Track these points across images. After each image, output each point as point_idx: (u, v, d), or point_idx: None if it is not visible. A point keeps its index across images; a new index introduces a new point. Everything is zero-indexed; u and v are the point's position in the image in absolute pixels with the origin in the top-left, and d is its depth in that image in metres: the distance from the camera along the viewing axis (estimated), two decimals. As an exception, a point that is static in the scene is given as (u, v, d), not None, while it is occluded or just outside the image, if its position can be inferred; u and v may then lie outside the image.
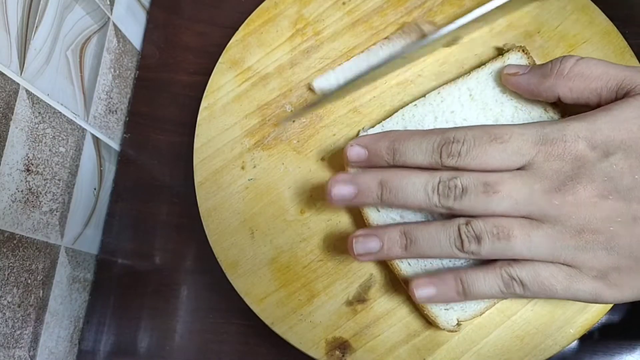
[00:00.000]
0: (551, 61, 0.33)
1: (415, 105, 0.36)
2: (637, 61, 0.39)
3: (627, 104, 0.29)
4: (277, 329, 0.36)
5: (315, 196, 0.38)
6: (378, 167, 0.33)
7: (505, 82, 0.35)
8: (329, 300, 0.36)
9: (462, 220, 0.30)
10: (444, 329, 0.33)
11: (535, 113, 0.35)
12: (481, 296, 0.31)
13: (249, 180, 0.39)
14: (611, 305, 0.35)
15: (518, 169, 0.30)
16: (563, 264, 0.29)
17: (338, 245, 0.37)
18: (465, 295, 0.31)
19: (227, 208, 0.38)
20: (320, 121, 0.39)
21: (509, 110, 0.35)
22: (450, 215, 0.31)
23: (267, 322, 0.36)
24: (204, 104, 0.41)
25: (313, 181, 0.38)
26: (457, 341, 0.35)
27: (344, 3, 0.41)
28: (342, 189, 0.32)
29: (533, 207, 0.29)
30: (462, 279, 0.31)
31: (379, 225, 0.34)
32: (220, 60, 0.41)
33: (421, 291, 0.31)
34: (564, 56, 0.32)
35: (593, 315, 0.34)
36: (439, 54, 0.40)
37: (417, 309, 0.35)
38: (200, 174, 0.39)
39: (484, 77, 0.36)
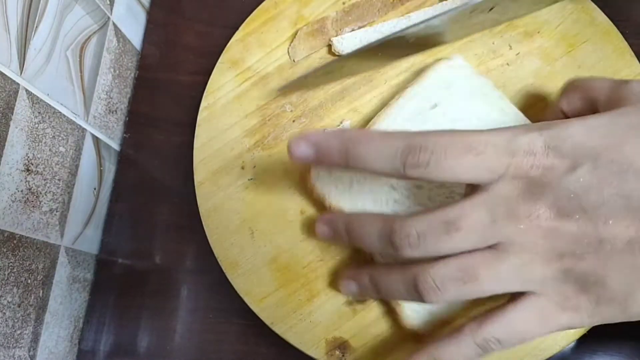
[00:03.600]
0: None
1: None
2: (637, 61, 0.39)
3: (604, 114, 0.27)
4: (277, 329, 0.36)
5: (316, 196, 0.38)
6: (329, 166, 0.32)
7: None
8: (329, 300, 0.36)
9: (418, 269, 0.28)
10: (412, 331, 0.33)
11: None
12: None
13: (249, 180, 0.39)
14: None
15: (482, 188, 0.27)
16: (533, 292, 0.27)
17: (338, 245, 0.37)
18: None
19: (227, 208, 0.38)
20: (320, 121, 0.39)
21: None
22: None
23: (267, 322, 0.36)
24: (203, 103, 0.41)
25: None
26: None
27: (343, 3, 0.42)
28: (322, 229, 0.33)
29: (498, 235, 0.27)
30: (435, 356, 0.29)
31: (357, 269, 0.34)
32: (220, 60, 0.41)
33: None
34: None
35: None
36: (439, 54, 0.40)
37: (389, 307, 0.35)
38: (200, 174, 0.39)
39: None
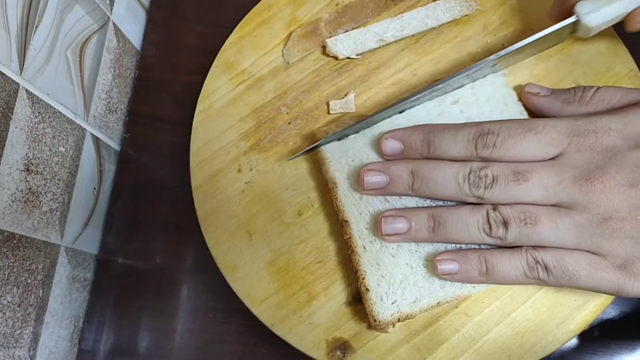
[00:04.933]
0: (573, 88, 0.34)
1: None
2: (630, 57, 0.38)
3: None
4: (277, 331, 0.36)
5: (313, 197, 0.38)
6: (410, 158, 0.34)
7: (526, 101, 0.36)
8: (329, 301, 0.36)
9: (490, 206, 0.31)
10: (375, 322, 0.33)
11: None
12: (504, 279, 0.31)
13: (245, 183, 0.39)
14: (610, 301, 0.34)
15: (550, 159, 0.31)
16: (588, 251, 0.30)
17: (336, 246, 0.37)
18: (488, 276, 0.31)
19: (224, 211, 0.38)
20: (315, 122, 0.39)
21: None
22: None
23: (267, 324, 0.36)
24: (199, 107, 0.41)
25: (310, 183, 0.38)
26: (457, 340, 0.35)
27: (337, 4, 0.41)
28: (374, 177, 0.33)
29: (562, 194, 0.30)
30: (486, 259, 0.31)
31: (408, 208, 0.34)
32: (214, 63, 0.41)
33: (444, 266, 0.32)
34: (585, 86, 0.34)
35: (592, 311, 0.34)
36: (432, 53, 0.40)
37: (360, 293, 0.34)
38: (197, 177, 0.39)
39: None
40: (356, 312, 0.36)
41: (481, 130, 0.31)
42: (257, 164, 0.39)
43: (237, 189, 0.39)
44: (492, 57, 0.35)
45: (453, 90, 0.37)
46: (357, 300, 0.36)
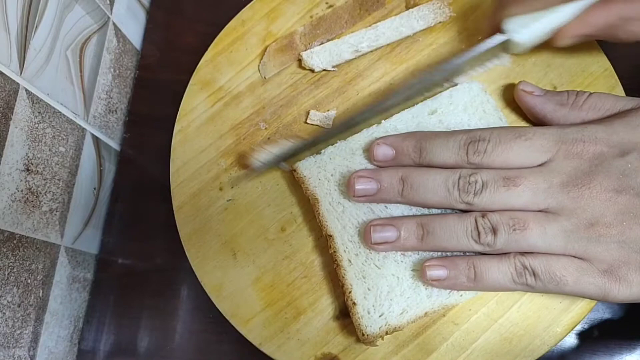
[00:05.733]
0: (567, 92, 0.35)
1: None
2: (605, 56, 0.38)
3: None
4: (266, 349, 0.36)
5: (295, 213, 0.38)
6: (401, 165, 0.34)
7: (519, 99, 0.36)
8: (316, 316, 0.36)
9: (478, 213, 0.31)
10: (363, 335, 0.33)
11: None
12: (492, 285, 0.31)
13: (227, 201, 0.39)
14: (594, 303, 0.34)
15: (538, 165, 0.31)
16: (575, 256, 0.30)
17: (321, 260, 0.37)
18: (476, 281, 0.31)
19: (207, 231, 0.38)
20: (295, 137, 0.39)
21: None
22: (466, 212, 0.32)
23: (255, 343, 0.36)
24: (177, 127, 0.40)
25: (292, 198, 0.38)
26: (446, 349, 0.35)
27: (311, 17, 0.41)
28: (364, 184, 0.33)
29: (550, 200, 0.30)
30: (475, 265, 0.31)
31: (396, 216, 0.34)
32: (190, 82, 0.41)
33: (433, 271, 0.32)
34: (578, 91, 0.34)
35: (578, 313, 0.34)
36: (408, 61, 0.40)
37: (347, 307, 0.34)
38: (178, 198, 0.39)
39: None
40: (344, 327, 0.35)
41: (472, 136, 0.32)
42: (239, 181, 0.39)
43: (220, 207, 0.38)
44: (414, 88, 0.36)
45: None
46: (345, 315, 0.35)
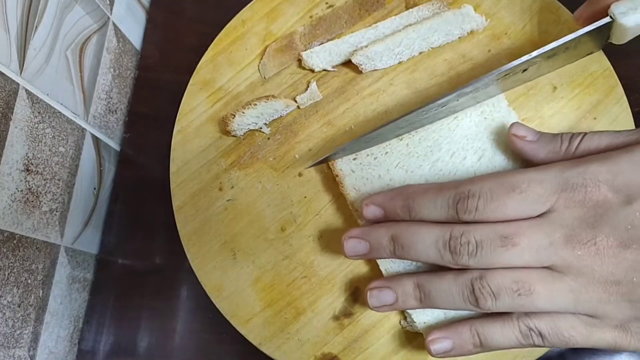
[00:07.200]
0: (560, 136, 0.32)
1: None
2: (605, 56, 0.38)
3: None
4: (265, 349, 0.36)
5: (295, 213, 0.38)
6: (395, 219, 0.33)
7: (510, 143, 0.33)
8: (316, 316, 0.36)
9: (475, 274, 0.29)
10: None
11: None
12: (499, 347, 0.30)
13: (227, 201, 0.39)
14: None
15: (537, 216, 0.29)
16: (583, 314, 0.29)
17: (321, 261, 0.37)
18: (482, 346, 0.30)
19: (207, 231, 0.38)
20: (294, 137, 0.39)
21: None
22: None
23: (255, 342, 0.36)
24: (177, 127, 0.40)
25: (292, 198, 0.38)
26: None
27: (311, 17, 0.41)
28: (355, 246, 0.32)
29: (554, 257, 0.28)
30: (478, 332, 0.30)
31: (393, 277, 0.33)
32: (190, 82, 0.41)
33: (437, 346, 0.31)
34: (572, 134, 0.32)
35: None
36: (408, 61, 0.39)
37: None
38: (178, 198, 0.39)
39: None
40: (344, 326, 0.36)
41: (461, 193, 0.30)
42: (238, 181, 0.39)
43: (219, 207, 0.39)
44: (502, 68, 0.32)
45: (459, 102, 0.35)
46: (344, 314, 0.36)
